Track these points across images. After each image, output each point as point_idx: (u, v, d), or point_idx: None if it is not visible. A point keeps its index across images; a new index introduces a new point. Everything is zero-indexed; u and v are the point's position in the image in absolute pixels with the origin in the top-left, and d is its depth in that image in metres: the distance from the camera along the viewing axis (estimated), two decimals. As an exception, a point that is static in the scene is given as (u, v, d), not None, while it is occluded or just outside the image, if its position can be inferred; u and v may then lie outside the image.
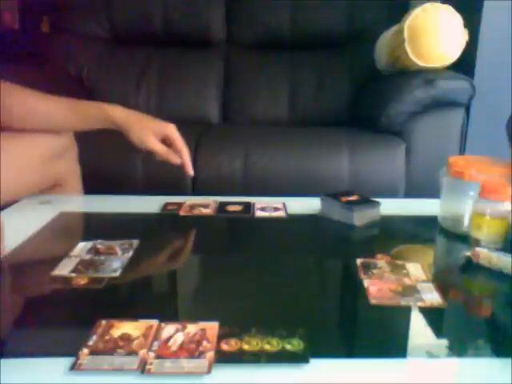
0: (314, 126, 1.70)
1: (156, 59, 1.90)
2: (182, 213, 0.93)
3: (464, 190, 0.81)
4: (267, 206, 0.96)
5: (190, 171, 0.97)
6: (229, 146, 1.41)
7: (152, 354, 0.48)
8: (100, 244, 0.75)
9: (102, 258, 0.71)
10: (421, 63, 1.46)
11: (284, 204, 0.98)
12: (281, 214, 0.93)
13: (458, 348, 0.52)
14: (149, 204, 0.96)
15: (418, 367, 0.50)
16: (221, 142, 1.46)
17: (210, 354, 0.48)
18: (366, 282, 0.65)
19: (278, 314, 0.60)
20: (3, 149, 0.88)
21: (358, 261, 0.71)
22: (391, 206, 0.96)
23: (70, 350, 0.49)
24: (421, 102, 1.40)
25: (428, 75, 1.41)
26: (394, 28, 1.58)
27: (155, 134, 0.94)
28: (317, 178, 1.36)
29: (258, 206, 0.97)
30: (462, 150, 1.51)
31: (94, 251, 0.73)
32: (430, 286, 0.64)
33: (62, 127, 0.97)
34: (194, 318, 0.54)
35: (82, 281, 0.64)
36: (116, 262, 0.70)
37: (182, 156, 0.96)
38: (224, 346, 0.49)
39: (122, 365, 0.47)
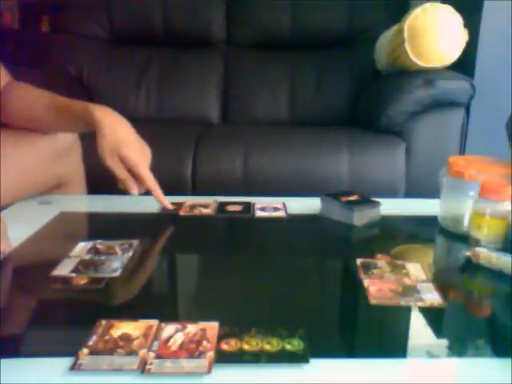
0: (314, 126, 1.70)
1: (156, 59, 1.90)
2: (182, 213, 0.93)
3: (464, 190, 0.81)
4: (267, 206, 0.96)
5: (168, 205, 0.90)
6: (229, 146, 1.42)
7: (152, 354, 0.48)
8: (100, 244, 0.75)
9: (102, 258, 0.71)
10: (421, 63, 1.46)
11: (284, 204, 0.98)
12: (281, 213, 0.94)
13: (458, 348, 0.52)
14: (149, 204, 0.96)
15: (418, 367, 0.50)
16: (221, 142, 1.46)
17: (210, 354, 0.48)
18: (366, 282, 0.65)
19: (278, 314, 0.60)
20: (6, 149, 0.88)
21: (358, 261, 0.71)
22: (391, 206, 0.96)
23: (70, 350, 0.49)
24: (421, 101, 1.40)
25: (428, 75, 1.42)
26: (394, 28, 1.58)
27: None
28: (317, 177, 1.36)
29: (257, 205, 0.97)
30: (462, 150, 1.52)
31: (94, 251, 0.73)
32: (430, 286, 0.64)
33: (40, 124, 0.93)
34: (194, 318, 0.54)
35: (82, 281, 0.64)
36: (116, 261, 0.70)
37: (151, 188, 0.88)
38: (224, 346, 0.49)
39: (121, 365, 0.47)
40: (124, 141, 0.85)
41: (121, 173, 0.86)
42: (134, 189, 0.87)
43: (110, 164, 0.85)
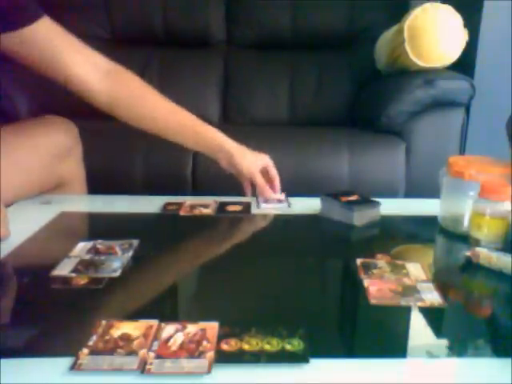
0: (313, 126, 1.70)
1: (156, 59, 1.90)
2: (182, 213, 0.93)
3: (464, 190, 0.81)
4: (270, 199, 0.99)
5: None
6: (229, 146, 1.41)
7: (152, 354, 0.48)
8: (100, 244, 0.75)
9: (102, 257, 0.71)
10: (421, 63, 1.46)
11: (285, 194, 1.01)
12: (284, 205, 0.97)
13: (458, 348, 0.53)
14: (149, 204, 0.96)
15: (418, 367, 0.50)
16: (221, 142, 1.45)
17: (210, 354, 0.48)
18: (366, 282, 0.65)
19: (278, 314, 0.60)
20: (7, 149, 0.88)
21: (358, 261, 0.71)
22: (391, 206, 0.96)
23: (70, 350, 0.49)
24: (421, 101, 1.40)
25: (428, 75, 1.42)
26: (394, 28, 1.58)
27: (258, 166, 1.00)
28: (317, 177, 1.36)
29: (261, 198, 0.99)
30: (462, 150, 1.51)
31: (94, 251, 0.73)
32: (430, 286, 0.64)
33: (173, 139, 0.99)
34: (194, 318, 0.54)
35: (82, 281, 0.64)
36: (116, 261, 0.70)
37: (275, 184, 1.01)
38: (224, 346, 0.49)
39: (121, 365, 0.47)
40: (257, 156, 1.02)
41: (263, 182, 0.99)
42: (271, 193, 1.00)
43: (258, 177, 0.99)
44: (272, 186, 1.01)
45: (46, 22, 0.86)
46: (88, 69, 0.91)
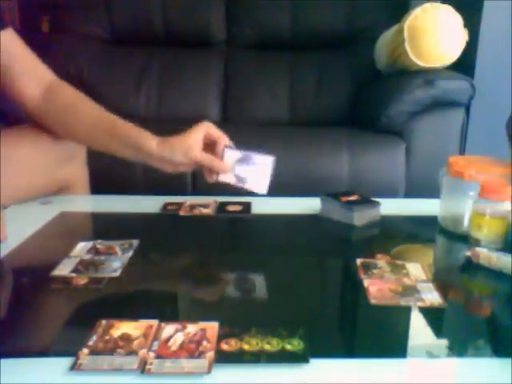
0: (313, 126, 1.70)
1: (156, 59, 1.90)
2: (182, 213, 0.93)
3: (464, 190, 0.81)
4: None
5: None
6: (229, 146, 1.41)
7: (152, 354, 0.48)
8: (100, 244, 0.75)
9: (102, 257, 0.71)
10: (421, 63, 1.46)
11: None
12: (263, 163, 0.87)
13: (458, 348, 0.52)
14: (149, 204, 0.96)
15: (418, 367, 0.50)
16: (221, 142, 1.46)
17: (210, 354, 0.48)
18: (366, 282, 0.65)
19: (278, 314, 0.60)
20: (8, 151, 0.88)
21: (358, 261, 0.71)
22: (391, 206, 0.96)
23: (70, 350, 0.49)
24: (421, 101, 1.40)
25: (428, 75, 1.42)
26: (394, 28, 1.58)
27: (197, 142, 0.86)
28: (317, 177, 1.36)
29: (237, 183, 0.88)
30: (462, 150, 1.52)
31: (94, 251, 0.73)
32: (430, 286, 0.64)
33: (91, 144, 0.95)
34: (194, 318, 0.54)
35: (82, 281, 0.64)
36: (116, 261, 0.70)
37: (220, 146, 0.87)
38: (224, 346, 0.49)
39: (121, 365, 0.47)
40: (189, 135, 0.86)
41: (208, 158, 0.86)
42: (223, 164, 0.87)
43: (203, 157, 0.85)
44: (218, 152, 0.87)
45: (10, 33, 0.90)
46: (32, 84, 0.92)
